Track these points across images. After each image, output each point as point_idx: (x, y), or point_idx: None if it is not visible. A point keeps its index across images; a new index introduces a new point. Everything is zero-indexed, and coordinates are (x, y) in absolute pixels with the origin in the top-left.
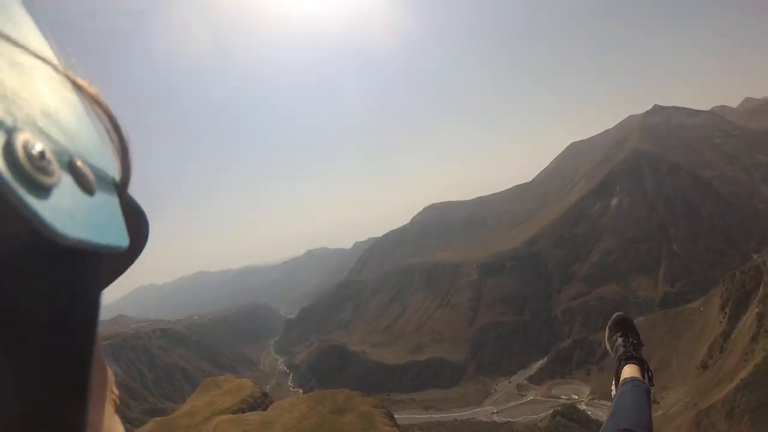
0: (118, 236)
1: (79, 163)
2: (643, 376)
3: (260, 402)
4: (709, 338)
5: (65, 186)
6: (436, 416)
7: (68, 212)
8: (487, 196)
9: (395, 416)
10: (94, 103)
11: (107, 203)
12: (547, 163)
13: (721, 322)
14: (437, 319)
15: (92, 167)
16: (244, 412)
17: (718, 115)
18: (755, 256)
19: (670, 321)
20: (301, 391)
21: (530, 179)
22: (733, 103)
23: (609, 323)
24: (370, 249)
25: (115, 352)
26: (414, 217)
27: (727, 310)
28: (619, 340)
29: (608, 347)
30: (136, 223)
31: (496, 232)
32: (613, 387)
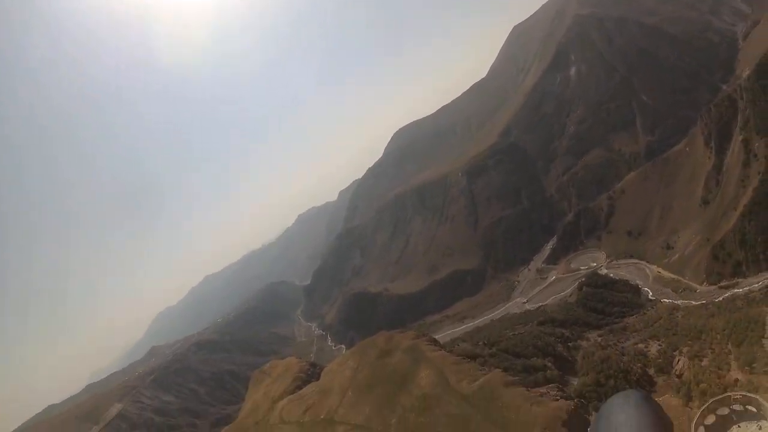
0: None
1: None
2: None
3: (311, 374)
4: (702, 175)
5: None
6: (473, 323)
7: None
8: (448, 104)
9: (435, 336)
10: None
11: None
12: (496, 54)
13: (709, 157)
14: (442, 236)
15: None
16: (300, 389)
17: None
18: (724, 86)
19: (660, 168)
20: (343, 346)
21: (484, 75)
22: None
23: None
24: (356, 193)
25: (163, 384)
26: (386, 148)
27: (712, 144)
28: None
29: None
30: None
31: (468, 136)
32: None
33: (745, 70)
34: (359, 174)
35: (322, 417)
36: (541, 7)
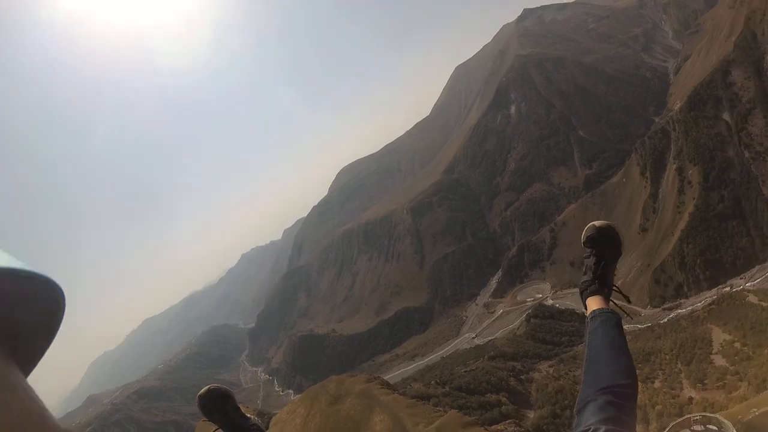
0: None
1: None
2: (607, 302)
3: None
4: (639, 204)
5: None
6: (423, 361)
7: None
8: (392, 142)
9: (386, 376)
10: None
11: None
12: (439, 93)
13: (645, 186)
14: (389, 274)
15: None
16: None
17: (585, 2)
18: (657, 119)
19: (599, 199)
20: (291, 391)
21: (428, 113)
22: None
23: (587, 232)
24: (301, 231)
25: None
26: (331, 186)
27: (647, 174)
28: (590, 261)
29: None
30: (44, 298)
31: (411, 174)
32: (584, 310)
33: (676, 103)
34: (304, 212)
35: None
36: (482, 48)
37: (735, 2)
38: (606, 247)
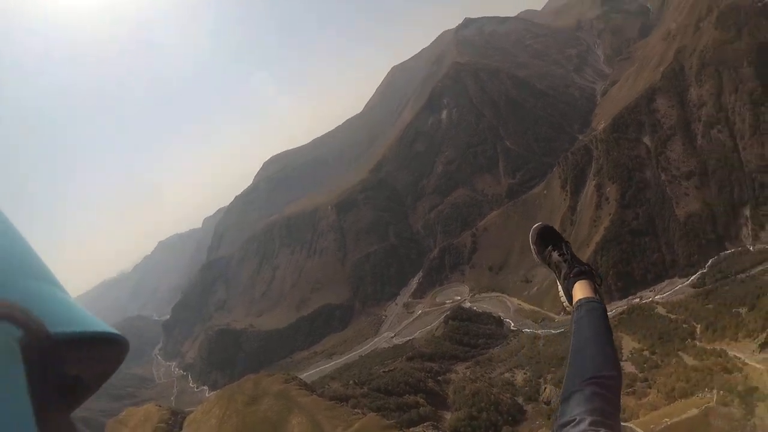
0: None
1: None
2: (595, 291)
3: (173, 423)
4: (558, 215)
5: None
6: (342, 359)
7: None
8: (322, 136)
9: (304, 374)
10: None
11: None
12: (374, 91)
13: (565, 199)
14: (311, 269)
15: None
16: None
17: (526, 19)
18: (581, 137)
19: (520, 209)
20: (206, 388)
21: (361, 110)
22: (538, 6)
23: (532, 237)
24: (223, 221)
25: None
26: (257, 175)
27: (567, 188)
28: (554, 255)
29: (540, 261)
30: (101, 349)
31: (340, 169)
32: (565, 301)
33: (601, 123)
34: (226, 202)
35: None
36: (421, 51)
37: (668, 35)
38: (557, 239)
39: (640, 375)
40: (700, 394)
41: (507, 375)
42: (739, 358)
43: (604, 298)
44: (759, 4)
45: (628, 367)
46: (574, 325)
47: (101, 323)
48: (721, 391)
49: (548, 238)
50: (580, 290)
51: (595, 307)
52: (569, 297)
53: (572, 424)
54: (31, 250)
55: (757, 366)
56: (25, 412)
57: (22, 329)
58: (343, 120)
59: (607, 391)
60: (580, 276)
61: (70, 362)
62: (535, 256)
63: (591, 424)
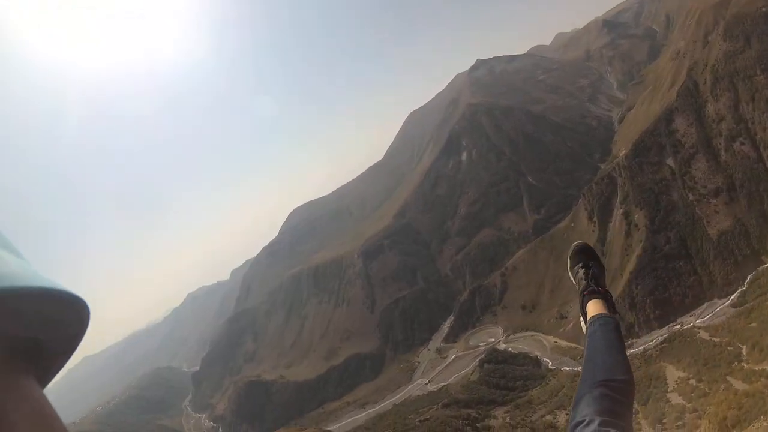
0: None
1: None
2: (609, 309)
3: None
4: None
5: None
6: (374, 409)
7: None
8: (345, 185)
9: (336, 425)
10: None
11: None
12: (393, 138)
13: (593, 230)
14: (339, 319)
15: None
16: None
17: (535, 54)
18: (602, 166)
19: (548, 244)
20: None
21: (381, 157)
22: (546, 41)
23: (569, 253)
24: (250, 272)
25: None
26: (282, 227)
27: (594, 219)
28: (580, 272)
29: (572, 279)
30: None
31: (364, 217)
32: (582, 323)
33: (621, 150)
34: (253, 253)
35: None
36: (436, 96)
37: (678, 54)
38: (589, 258)
39: (688, 406)
40: (756, 424)
41: (548, 417)
42: None
43: (619, 316)
44: (764, 9)
45: (675, 399)
46: (588, 339)
47: (50, 280)
48: None
49: (583, 256)
50: (594, 307)
51: (608, 321)
52: (584, 313)
53: (583, 424)
54: None
55: None
56: None
57: None
58: (365, 168)
59: (617, 393)
60: (593, 294)
61: (16, 322)
62: (569, 271)
63: (601, 424)
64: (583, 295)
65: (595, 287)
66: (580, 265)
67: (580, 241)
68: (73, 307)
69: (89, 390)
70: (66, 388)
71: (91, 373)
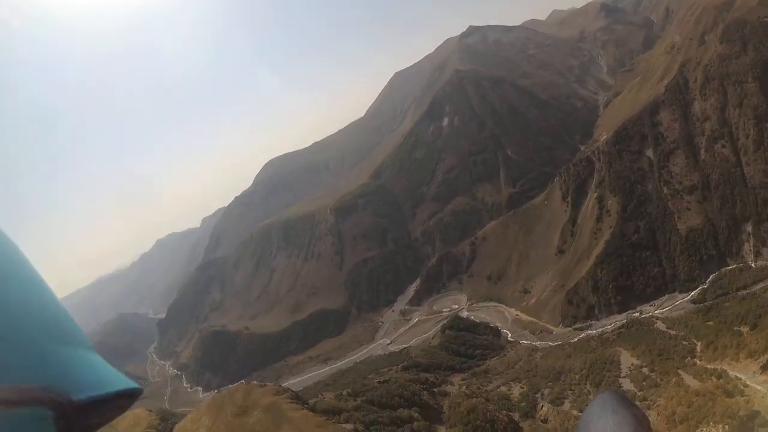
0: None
1: None
2: None
3: (162, 429)
4: (558, 227)
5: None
6: (336, 365)
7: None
8: (323, 139)
9: (297, 378)
10: None
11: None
12: (376, 96)
13: (565, 210)
14: (307, 274)
15: None
16: None
17: (530, 28)
18: (582, 148)
19: (520, 219)
20: (200, 389)
21: (362, 114)
22: (542, 16)
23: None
24: (221, 221)
25: None
26: (256, 177)
27: (568, 199)
28: None
29: None
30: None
31: (339, 174)
32: None
33: (603, 135)
34: (225, 202)
35: None
36: (424, 58)
37: (672, 48)
38: None
39: (639, 394)
40: (703, 429)
41: (503, 389)
42: (740, 380)
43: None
44: (765, 19)
45: (626, 385)
46: None
47: (122, 378)
48: (726, 426)
49: None
50: None
51: None
52: None
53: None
54: (62, 310)
55: (759, 388)
56: None
57: (51, 409)
58: (345, 124)
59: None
60: None
61: (92, 417)
62: None
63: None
64: None
65: None
66: None
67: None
68: (133, 395)
69: None
70: None
71: None
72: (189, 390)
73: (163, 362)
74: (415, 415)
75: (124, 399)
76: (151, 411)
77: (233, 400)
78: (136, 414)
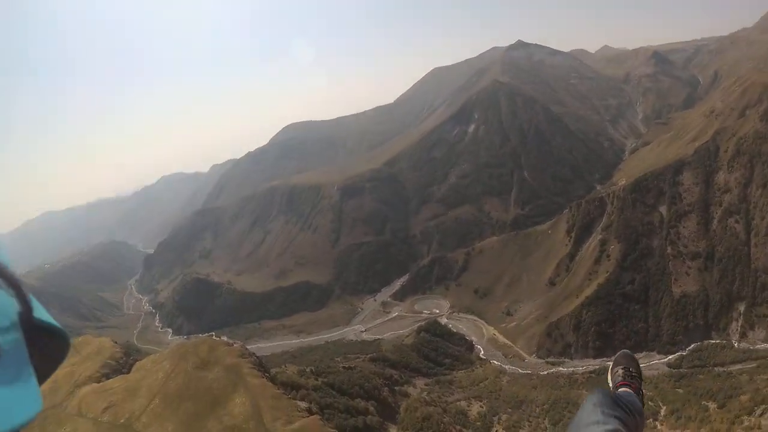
0: (27, 408)
1: None
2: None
3: (123, 363)
4: (556, 258)
5: None
6: (307, 339)
7: None
8: (347, 116)
9: (267, 344)
10: None
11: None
12: (410, 86)
13: (567, 244)
14: (300, 243)
15: None
16: (108, 378)
17: (576, 57)
18: (598, 187)
19: (521, 241)
20: (170, 330)
21: (392, 101)
22: (592, 48)
23: (615, 357)
24: (229, 172)
25: None
26: (273, 138)
27: (572, 234)
28: (620, 370)
29: (609, 379)
30: (50, 342)
31: (355, 153)
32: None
33: (622, 180)
34: (238, 154)
35: (121, 421)
36: (465, 60)
37: (711, 113)
38: (632, 365)
39: None
40: None
41: (463, 404)
42: None
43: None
44: None
45: None
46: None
47: (47, 315)
48: None
49: (627, 362)
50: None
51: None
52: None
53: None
54: None
55: None
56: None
57: (21, 305)
58: (372, 106)
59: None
60: (626, 387)
61: (33, 349)
62: (608, 373)
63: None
64: (617, 387)
65: (630, 381)
66: (621, 366)
67: (628, 350)
68: (63, 343)
69: (44, 246)
70: (19, 238)
71: (49, 229)
72: (159, 330)
73: (141, 297)
74: (371, 408)
75: (57, 344)
76: (116, 343)
77: (197, 352)
78: (101, 342)
